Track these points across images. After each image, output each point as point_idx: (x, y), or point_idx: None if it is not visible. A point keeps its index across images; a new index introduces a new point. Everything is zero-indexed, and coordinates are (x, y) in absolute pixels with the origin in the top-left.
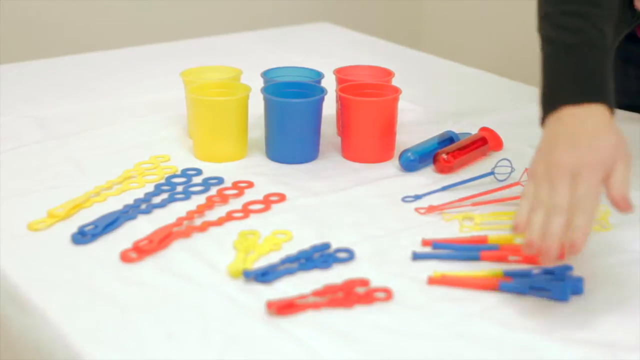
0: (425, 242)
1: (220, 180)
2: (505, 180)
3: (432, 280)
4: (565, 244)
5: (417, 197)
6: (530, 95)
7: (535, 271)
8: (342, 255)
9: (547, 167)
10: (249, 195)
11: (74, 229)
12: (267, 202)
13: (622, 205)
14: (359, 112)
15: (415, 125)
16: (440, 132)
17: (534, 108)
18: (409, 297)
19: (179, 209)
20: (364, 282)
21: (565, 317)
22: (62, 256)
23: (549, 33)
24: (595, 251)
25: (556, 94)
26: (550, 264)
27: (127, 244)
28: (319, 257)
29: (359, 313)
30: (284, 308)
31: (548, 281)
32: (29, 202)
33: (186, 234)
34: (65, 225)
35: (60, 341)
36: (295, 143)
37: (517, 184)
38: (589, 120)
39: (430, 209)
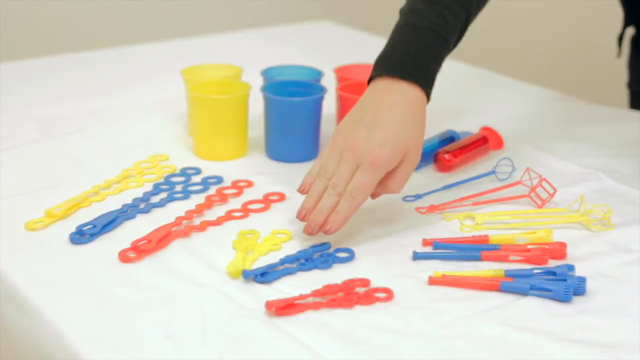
0: (425, 242)
1: (219, 180)
2: (506, 179)
3: (433, 281)
4: (326, 222)
5: (418, 197)
6: (532, 94)
7: (537, 271)
8: (342, 255)
9: (343, 142)
10: (249, 194)
11: (72, 229)
12: (267, 201)
13: (387, 193)
14: None
15: None
16: (441, 131)
17: (536, 107)
18: (410, 297)
19: (178, 209)
20: (364, 282)
21: (567, 317)
22: (60, 256)
23: (404, 8)
24: (597, 251)
25: (384, 62)
26: (311, 234)
27: (126, 244)
28: (318, 257)
29: (359, 313)
30: (284, 308)
31: (550, 281)
32: (27, 201)
33: (185, 233)
34: (63, 225)
35: (59, 341)
36: (295, 142)
37: (518, 183)
38: (398, 105)
39: (431, 209)
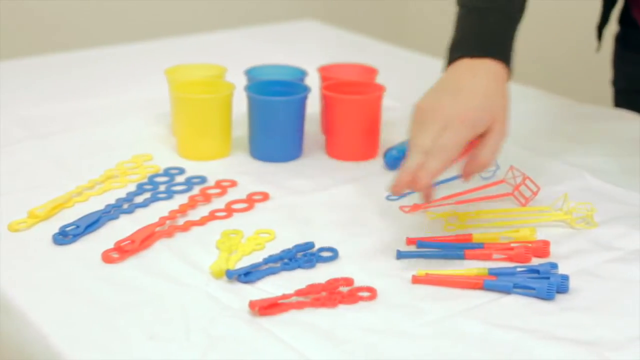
0: (409, 241)
1: (203, 180)
2: (490, 178)
3: (416, 279)
4: (414, 180)
5: (402, 196)
6: (516, 92)
7: (520, 269)
8: (326, 254)
9: (426, 111)
10: (232, 194)
11: (55, 229)
12: (251, 201)
13: (479, 169)
14: (343, 110)
15: (399, 123)
16: None
17: (520, 105)
18: (393, 296)
19: (161, 209)
20: (348, 282)
21: (550, 315)
22: (43, 257)
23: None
24: (580, 249)
25: (458, 47)
26: (397, 194)
27: (109, 244)
28: (302, 256)
29: (343, 312)
30: (267, 308)
31: (533, 279)
32: (10, 202)
33: (169, 233)
34: (46, 226)
35: (42, 342)
36: (279, 141)
37: (502, 181)
38: (481, 76)
39: (415, 208)
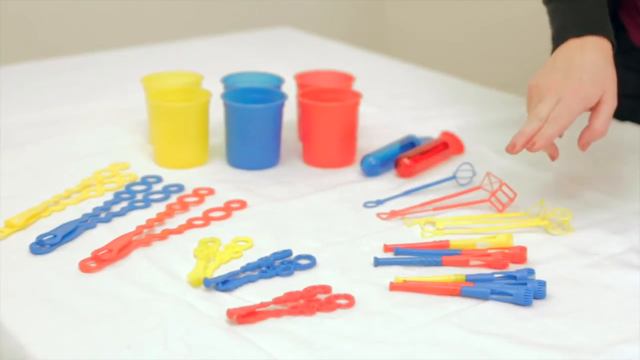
0: (387, 248)
1: (180, 188)
2: (466, 184)
3: (394, 286)
4: (530, 143)
5: (379, 202)
6: (491, 99)
7: (498, 276)
8: (304, 262)
9: (541, 88)
10: (210, 202)
11: (32, 239)
12: (228, 209)
13: (594, 137)
14: (320, 117)
15: (376, 129)
16: (402, 136)
17: (496, 112)
18: (371, 304)
19: (138, 217)
20: (326, 289)
21: (528, 321)
22: (21, 267)
23: None
24: (557, 255)
25: (562, 33)
26: (511, 152)
27: (86, 254)
28: (280, 264)
29: (321, 320)
30: (245, 316)
31: (510, 285)
32: None
33: (146, 242)
34: (23, 235)
35: (20, 352)
36: (256, 149)
37: (478, 188)
38: (590, 52)
39: (392, 214)
